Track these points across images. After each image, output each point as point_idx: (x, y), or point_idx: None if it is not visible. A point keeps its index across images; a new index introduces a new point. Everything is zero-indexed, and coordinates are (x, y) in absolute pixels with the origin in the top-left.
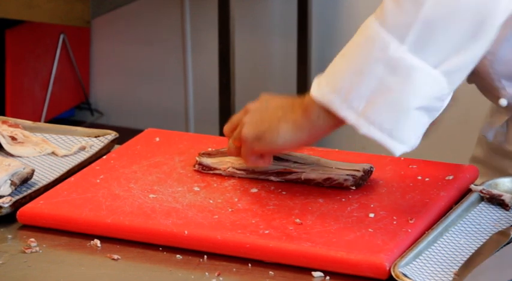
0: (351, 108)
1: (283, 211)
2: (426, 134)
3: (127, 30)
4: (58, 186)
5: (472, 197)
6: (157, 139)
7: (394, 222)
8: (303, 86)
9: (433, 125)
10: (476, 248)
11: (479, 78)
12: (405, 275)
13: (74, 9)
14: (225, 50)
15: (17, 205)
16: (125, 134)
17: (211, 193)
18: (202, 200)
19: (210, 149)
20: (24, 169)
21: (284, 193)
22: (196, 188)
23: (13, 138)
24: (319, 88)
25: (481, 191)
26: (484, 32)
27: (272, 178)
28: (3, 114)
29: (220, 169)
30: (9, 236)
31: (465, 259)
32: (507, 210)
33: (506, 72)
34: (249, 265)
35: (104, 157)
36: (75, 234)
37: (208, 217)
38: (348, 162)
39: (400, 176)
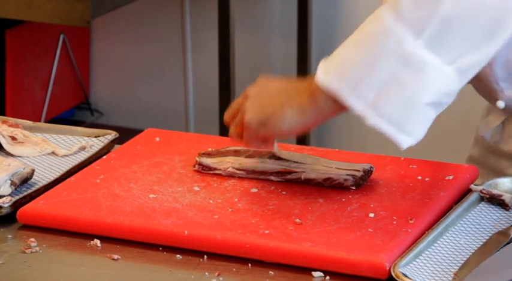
0: (359, 98)
1: (283, 211)
2: None
3: (127, 30)
4: (58, 186)
5: (472, 197)
6: (157, 139)
7: (394, 222)
8: None
9: None
10: (476, 248)
11: (477, 80)
12: (405, 275)
13: (74, 9)
14: (225, 50)
15: (17, 205)
16: (125, 134)
17: (211, 193)
18: (202, 200)
19: (210, 149)
20: (24, 168)
21: (284, 192)
22: (196, 188)
23: (13, 138)
24: (327, 75)
25: (481, 191)
26: (501, 32)
27: (272, 177)
28: (3, 114)
29: (220, 169)
30: (9, 236)
31: (465, 259)
32: (507, 210)
33: (504, 75)
34: (249, 265)
35: (104, 157)
36: (75, 234)
37: (208, 217)
38: (348, 162)
39: (400, 176)
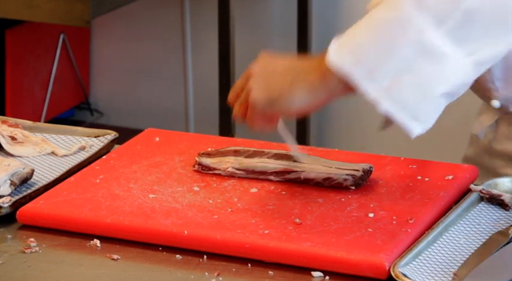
0: (374, 83)
1: (282, 210)
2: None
3: (127, 30)
4: (58, 186)
5: (472, 197)
6: (157, 139)
7: (394, 222)
8: None
9: None
10: (476, 248)
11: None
12: (405, 275)
13: (74, 9)
14: (225, 50)
15: (16, 205)
16: (125, 134)
17: (210, 193)
18: (202, 200)
19: (209, 149)
20: (24, 168)
21: (284, 192)
22: (196, 188)
23: (13, 138)
24: (340, 57)
25: (480, 191)
26: None
27: (272, 177)
28: (3, 114)
29: (220, 169)
30: (9, 236)
31: (465, 259)
32: (507, 210)
33: (501, 74)
34: (249, 265)
35: (104, 157)
36: (75, 234)
37: (208, 217)
38: (347, 162)
39: (400, 176)
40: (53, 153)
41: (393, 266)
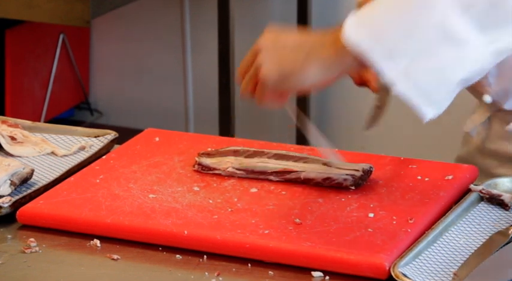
0: (391, 64)
1: (282, 210)
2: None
3: (127, 30)
4: (58, 186)
5: (472, 197)
6: (157, 139)
7: (394, 222)
8: None
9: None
10: (476, 248)
11: None
12: (405, 275)
13: (74, 9)
14: (225, 50)
15: (16, 205)
16: (125, 134)
17: (210, 193)
18: (202, 200)
19: (209, 149)
20: (23, 168)
21: (284, 192)
22: (195, 188)
23: (13, 138)
24: (357, 34)
25: (480, 191)
26: None
27: (271, 177)
28: (3, 114)
29: (219, 169)
30: (9, 236)
31: (465, 259)
32: (507, 210)
33: (495, 70)
34: (249, 265)
35: (104, 156)
36: (75, 234)
37: (208, 217)
38: (347, 162)
39: (400, 176)
40: (52, 153)
41: (393, 266)
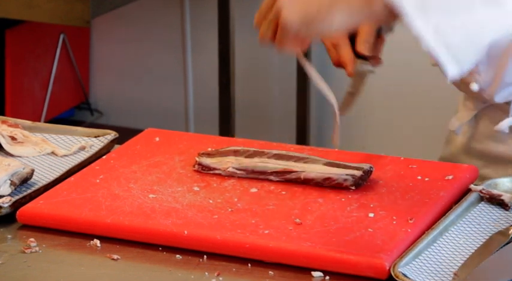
0: (423, 17)
1: (282, 210)
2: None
3: (127, 30)
4: (58, 186)
5: (472, 197)
6: (157, 139)
7: (394, 222)
8: (303, 86)
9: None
10: (476, 248)
11: None
12: (405, 275)
13: (74, 9)
14: (225, 50)
15: (16, 205)
16: (125, 134)
17: (211, 192)
18: (202, 200)
19: (209, 149)
20: (23, 168)
21: (284, 192)
22: (196, 188)
23: (13, 138)
24: None
25: (480, 191)
26: None
27: (272, 177)
28: (3, 114)
29: (220, 169)
30: (9, 236)
31: (465, 259)
32: (507, 210)
33: (486, 57)
34: (249, 265)
35: (104, 157)
36: (75, 234)
37: (208, 217)
38: (347, 162)
39: (400, 176)
40: (53, 153)
41: (393, 266)
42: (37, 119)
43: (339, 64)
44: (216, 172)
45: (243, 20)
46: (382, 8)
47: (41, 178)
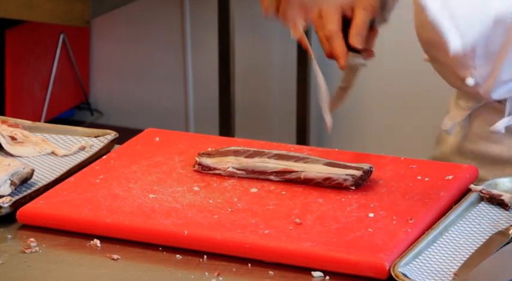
0: None
1: (283, 210)
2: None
3: (127, 30)
4: (58, 186)
5: (472, 197)
6: (157, 139)
7: (394, 222)
8: (303, 86)
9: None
10: (476, 248)
11: (448, 56)
12: (405, 275)
13: (74, 9)
14: (225, 50)
15: (16, 205)
16: (125, 134)
17: (211, 192)
18: (202, 200)
19: (209, 149)
20: (24, 168)
21: (284, 192)
22: (196, 188)
23: (13, 138)
24: None
25: (480, 191)
26: None
27: (272, 177)
28: (3, 114)
29: (220, 169)
30: (9, 236)
31: (465, 259)
32: (507, 210)
33: (482, 52)
34: (249, 265)
35: (104, 156)
36: (75, 234)
37: (208, 217)
38: (347, 162)
39: (400, 176)
40: (53, 153)
41: (393, 266)
42: (37, 119)
43: (332, 56)
44: (216, 172)
45: (243, 20)
46: None
47: (41, 178)
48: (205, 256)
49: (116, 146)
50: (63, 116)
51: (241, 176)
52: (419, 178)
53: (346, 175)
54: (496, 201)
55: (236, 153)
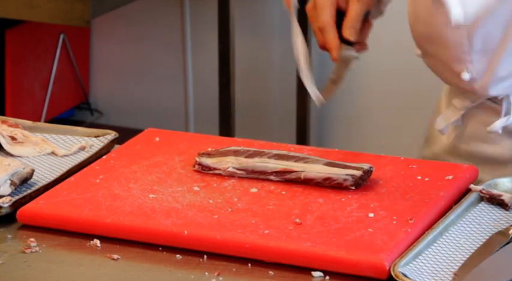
0: None
1: (283, 210)
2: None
3: (127, 30)
4: (58, 186)
5: (472, 197)
6: (157, 139)
7: (394, 222)
8: (303, 86)
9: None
10: (476, 248)
11: (444, 50)
12: (405, 275)
13: (74, 9)
14: (225, 50)
15: (16, 205)
16: (125, 134)
17: (211, 192)
18: (202, 200)
19: (209, 149)
20: (24, 168)
21: (284, 192)
22: (196, 188)
23: (13, 138)
24: None
25: (480, 191)
26: None
27: (272, 177)
28: (3, 114)
29: (220, 169)
30: (9, 236)
31: (465, 259)
32: (507, 210)
33: (480, 46)
34: (249, 265)
35: (104, 156)
36: (75, 234)
37: (208, 217)
38: (347, 162)
39: (400, 176)
40: (53, 153)
41: (393, 266)
42: (37, 119)
43: (324, 48)
44: (216, 172)
45: (243, 20)
46: None
47: (41, 178)
48: (205, 256)
49: (116, 146)
50: (63, 116)
51: (241, 176)
52: (419, 178)
53: (346, 175)
54: (496, 201)
55: (236, 153)
